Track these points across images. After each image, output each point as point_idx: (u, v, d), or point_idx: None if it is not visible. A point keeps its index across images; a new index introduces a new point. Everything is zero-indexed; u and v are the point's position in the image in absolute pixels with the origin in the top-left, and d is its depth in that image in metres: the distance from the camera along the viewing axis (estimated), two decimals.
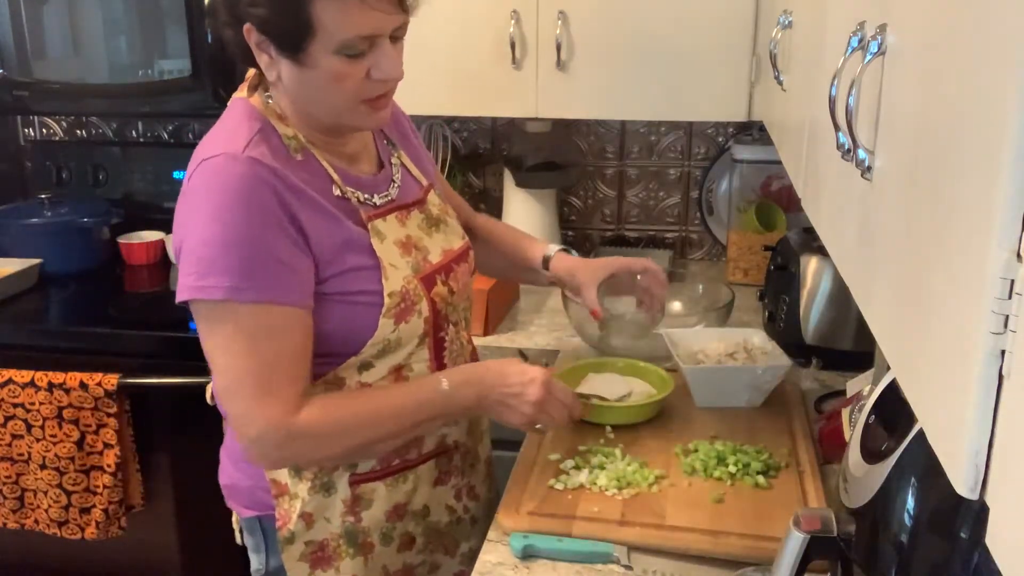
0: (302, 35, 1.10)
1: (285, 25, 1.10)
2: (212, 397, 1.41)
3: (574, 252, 1.57)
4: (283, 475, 1.27)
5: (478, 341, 1.92)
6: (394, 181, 1.33)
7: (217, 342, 1.15)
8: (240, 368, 1.14)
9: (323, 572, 1.30)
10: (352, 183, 1.25)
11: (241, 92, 1.25)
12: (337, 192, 1.22)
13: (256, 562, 1.36)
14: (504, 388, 1.23)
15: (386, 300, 1.20)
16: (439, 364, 1.32)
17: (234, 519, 1.42)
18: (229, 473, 1.36)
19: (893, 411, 0.98)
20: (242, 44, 1.16)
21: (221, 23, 1.18)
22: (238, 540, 1.42)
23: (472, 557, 1.33)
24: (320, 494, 1.27)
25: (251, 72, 1.25)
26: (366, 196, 1.26)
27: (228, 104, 1.25)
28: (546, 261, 1.57)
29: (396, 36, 1.17)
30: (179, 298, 1.15)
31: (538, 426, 1.29)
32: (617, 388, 1.57)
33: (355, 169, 1.28)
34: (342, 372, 1.24)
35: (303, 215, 1.16)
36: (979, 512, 0.67)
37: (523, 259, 1.59)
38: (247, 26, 1.13)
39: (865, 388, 1.44)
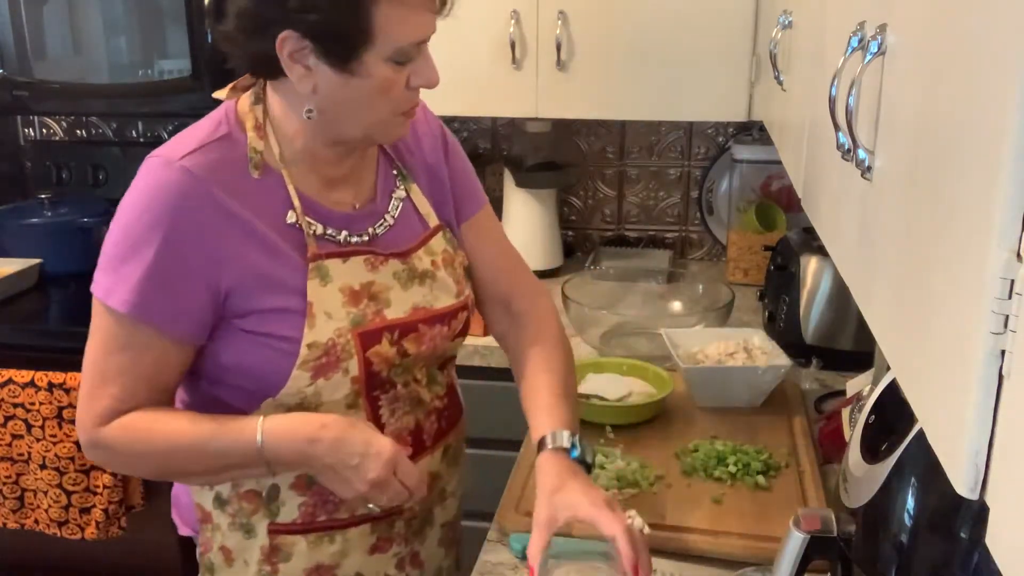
0: (358, 42, 1.02)
1: (341, 31, 1.02)
2: None
3: (576, 450, 1.14)
4: (207, 502, 1.20)
5: (478, 341, 1.93)
6: (384, 220, 1.19)
7: (91, 330, 1.12)
8: (88, 364, 1.12)
9: None
10: (317, 214, 1.13)
11: (221, 94, 1.19)
12: (292, 219, 1.11)
13: None
14: (339, 456, 1.06)
15: (303, 351, 1.08)
16: (379, 420, 1.18)
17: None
18: (175, 484, 1.31)
19: (893, 411, 0.98)
20: (261, 55, 1.06)
21: (237, 31, 1.07)
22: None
23: None
24: (240, 533, 1.19)
25: (245, 79, 1.16)
26: (331, 232, 1.13)
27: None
28: (541, 445, 1.17)
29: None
30: (92, 289, 1.12)
31: (369, 505, 1.13)
32: (617, 388, 1.57)
33: (328, 198, 1.16)
34: (261, 412, 1.11)
35: (227, 241, 1.07)
36: (979, 512, 0.67)
37: (528, 413, 1.23)
38: (284, 34, 1.02)
39: (865, 388, 1.44)
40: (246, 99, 1.14)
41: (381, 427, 1.17)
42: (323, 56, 1.03)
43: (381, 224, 1.18)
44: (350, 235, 1.15)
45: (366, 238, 1.16)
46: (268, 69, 1.08)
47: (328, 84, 1.05)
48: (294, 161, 1.13)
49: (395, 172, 1.23)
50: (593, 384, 1.58)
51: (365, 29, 1.02)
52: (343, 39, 1.03)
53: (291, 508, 1.17)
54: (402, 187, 1.22)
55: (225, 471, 1.12)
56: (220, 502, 1.19)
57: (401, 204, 1.21)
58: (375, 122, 1.10)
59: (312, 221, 1.12)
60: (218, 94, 1.18)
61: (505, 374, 1.65)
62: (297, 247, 1.11)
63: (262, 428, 1.07)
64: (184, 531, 1.29)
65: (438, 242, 1.23)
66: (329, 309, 1.10)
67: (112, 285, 1.07)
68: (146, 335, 1.08)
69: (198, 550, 1.24)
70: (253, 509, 1.17)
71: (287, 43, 1.03)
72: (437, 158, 1.27)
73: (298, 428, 1.08)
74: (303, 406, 1.12)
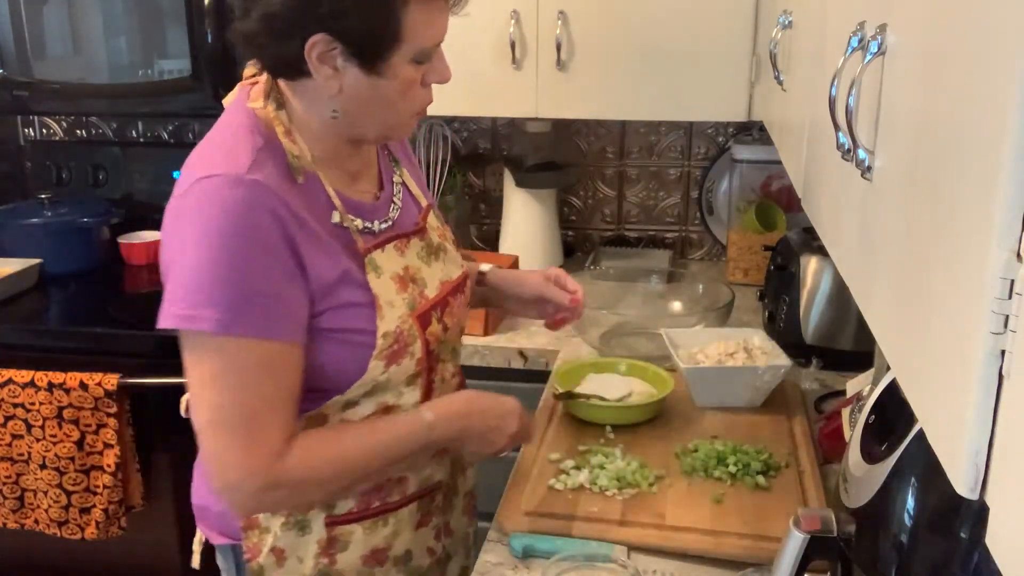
0: (388, 43, 1.06)
1: (374, 34, 1.05)
2: (187, 411, 1.35)
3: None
4: None
5: (478, 341, 1.93)
6: (395, 203, 1.25)
7: (202, 375, 1.07)
8: (225, 406, 1.07)
9: None
10: (352, 209, 1.17)
11: (232, 96, 1.18)
12: (336, 219, 1.14)
13: None
14: (486, 422, 1.22)
15: (379, 341, 1.13)
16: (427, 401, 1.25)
17: (196, 540, 1.34)
18: (202, 494, 1.27)
19: (893, 411, 0.98)
20: (286, 56, 1.07)
21: (263, 33, 1.07)
22: (195, 563, 1.34)
23: None
24: (294, 531, 1.20)
25: (260, 81, 1.15)
26: (366, 224, 1.18)
27: (226, 109, 1.17)
28: (481, 279, 1.45)
29: None
30: (163, 324, 1.06)
31: (504, 454, 1.27)
32: (617, 388, 1.57)
33: (356, 191, 1.20)
34: (326, 409, 1.16)
35: (303, 246, 1.08)
36: (979, 512, 0.67)
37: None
38: (315, 37, 1.03)
39: (865, 388, 1.44)
40: (268, 108, 1.13)
41: None
42: (352, 58, 1.06)
43: (394, 208, 1.24)
44: (380, 224, 1.20)
45: (390, 223, 1.22)
46: (290, 70, 1.09)
47: (355, 85, 1.08)
48: (322, 161, 1.15)
49: (390, 159, 1.30)
50: (593, 384, 1.58)
51: (395, 32, 1.05)
52: (375, 41, 1.05)
53: (348, 499, 1.21)
54: (397, 173, 1.29)
55: (395, 464, 1.18)
56: None
57: (401, 188, 1.28)
58: (395, 121, 1.14)
59: (352, 217, 1.16)
60: (228, 99, 1.19)
61: (505, 374, 1.66)
62: (346, 245, 1.14)
63: (428, 418, 1.17)
64: (219, 540, 1.26)
65: (432, 219, 1.31)
66: (389, 299, 1.16)
67: (230, 317, 1.04)
68: (278, 352, 1.07)
69: (243, 556, 1.21)
70: (308, 506, 1.20)
71: (317, 46, 1.04)
72: (408, 149, 1.38)
73: (454, 410, 1.21)
74: (372, 393, 1.17)
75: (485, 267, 1.46)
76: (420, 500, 1.27)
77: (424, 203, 1.31)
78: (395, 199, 1.25)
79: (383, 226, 1.20)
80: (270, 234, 1.05)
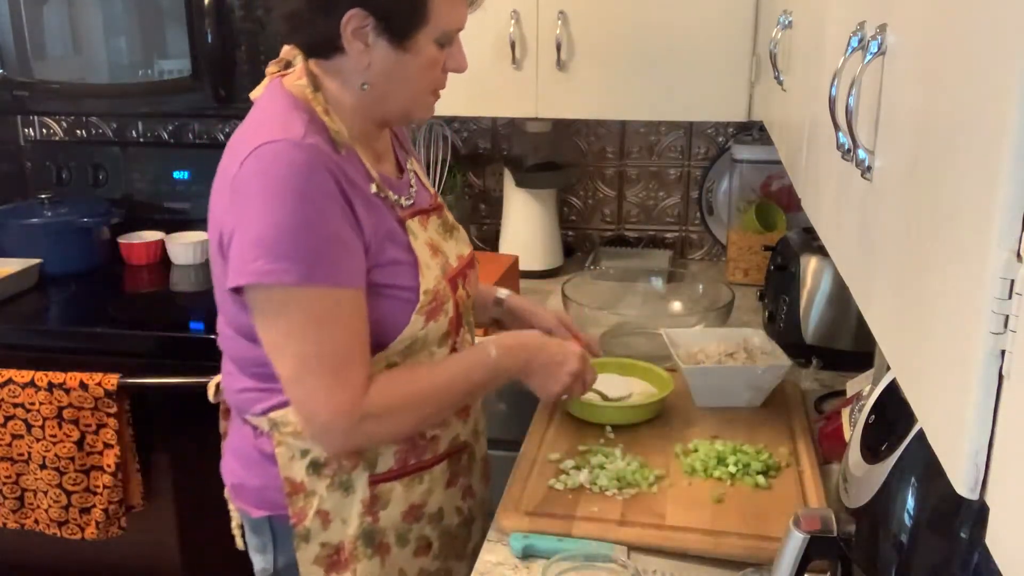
0: (416, 21, 1.17)
1: (404, 11, 1.17)
2: (216, 395, 1.42)
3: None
4: (300, 473, 1.26)
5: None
6: (412, 186, 1.34)
7: (285, 327, 1.16)
8: (309, 354, 1.15)
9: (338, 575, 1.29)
10: (386, 183, 1.27)
11: (259, 90, 1.26)
12: (373, 190, 1.23)
13: (262, 562, 1.34)
14: (548, 357, 1.30)
15: (421, 297, 1.23)
16: None
17: (234, 524, 1.41)
18: (236, 473, 1.34)
19: (893, 411, 0.98)
20: (325, 32, 1.16)
21: (307, 9, 1.17)
22: (239, 544, 1.41)
23: (475, 552, 1.33)
24: (339, 492, 1.26)
25: (287, 73, 1.25)
26: (395, 196, 1.27)
27: (259, 98, 1.25)
28: (499, 301, 1.56)
29: None
30: (242, 281, 1.14)
31: (565, 396, 1.35)
32: (617, 388, 1.57)
33: (383, 169, 1.30)
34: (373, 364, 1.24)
35: (357, 207, 1.18)
36: (979, 512, 0.67)
37: (481, 299, 1.54)
38: (352, 12, 1.14)
39: (865, 388, 1.44)
40: (305, 90, 1.21)
41: None
42: (383, 33, 1.17)
43: (411, 190, 1.34)
44: (404, 199, 1.29)
45: (412, 201, 1.32)
46: (325, 47, 1.19)
47: (383, 59, 1.19)
48: (356, 138, 1.24)
49: (402, 149, 1.40)
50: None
51: (423, 11, 1.17)
52: (404, 19, 1.17)
53: (387, 457, 1.28)
54: (409, 161, 1.39)
55: (468, 398, 1.32)
56: (316, 467, 1.26)
57: (414, 175, 1.37)
58: (415, 97, 1.25)
59: (386, 189, 1.26)
60: (255, 93, 1.28)
61: None
62: (388, 211, 1.25)
63: (492, 351, 1.27)
64: (257, 514, 1.31)
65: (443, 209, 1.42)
66: (427, 261, 1.26)
67: (308, 269, 1.13)
68: (350, 299, 1.17)
69: (288, 523, 1.27)
70: (353, 465, 1.26)
71: (353, 20, 1.15)
72: (411, 147, 1.47)
73: (519, 342, 1.32)
74: (411, 349, 1.25)
75: (503, 293, 1.56)
76: (449, 459, 1.36)
77: (432, 191, 1.41)
78: (412, 183, 1.35)
79: (407, 203, 1.30)
80: (332, 191, 1.15)
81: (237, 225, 1.14)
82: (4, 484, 2.01)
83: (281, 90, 1.22)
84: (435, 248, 1.29)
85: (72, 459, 1.96)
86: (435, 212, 1.36)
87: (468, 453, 1.41)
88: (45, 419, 1.95)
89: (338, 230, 1.15)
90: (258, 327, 1.18)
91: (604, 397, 1.54)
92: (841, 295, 1.78)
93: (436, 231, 1.33)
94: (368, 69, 1.19)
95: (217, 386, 1.41)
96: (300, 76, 1.23)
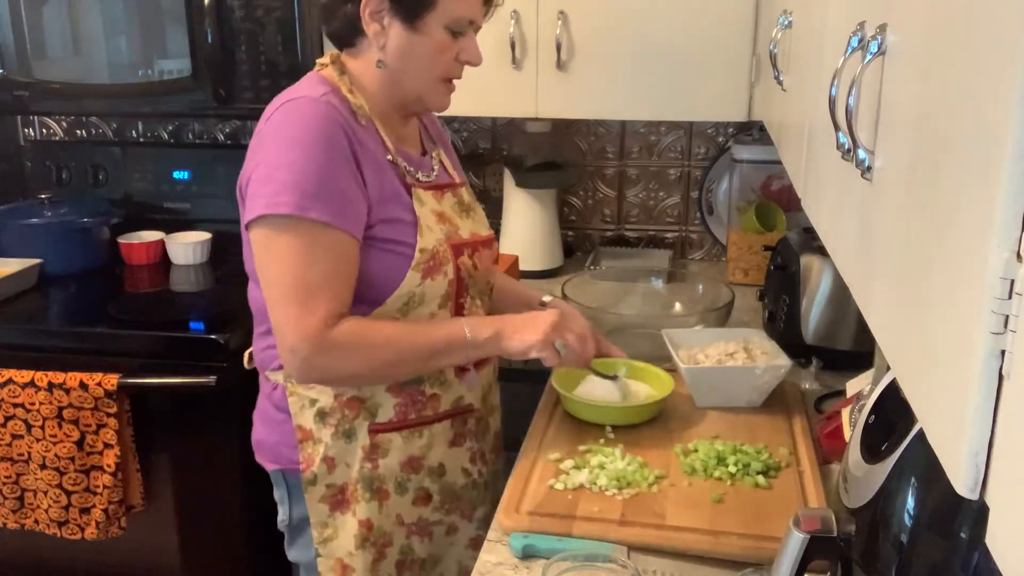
0: (426, 5, 1.31)
1: None
2: (249, 361, 1.53)
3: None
4: (308, 421, 1.38)
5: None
6: (433, 169, 1.47)
7: (275, 254, 1.27)
8: (290, 280, 1.26)
9: (341, 514, 1.41)
10: (403, 156, 1.40)
11: (325, 60, 1.40)
12: (389, 158, 1.36)
13: (282, 513, 1.48)
14: (520, 321, 1.38)
15: (417, 254, 1.33)
16: None
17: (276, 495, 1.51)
18: (258, 430, 1.49)
19: (893, 411, 0.98)
20: (350, 16, 1.33)
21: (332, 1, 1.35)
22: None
23: (487, 520, 1.40)
24: (342, 440, 1.38)
25: (327, 55, 1.41)
26: (410, 168, 1.40)
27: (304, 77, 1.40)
28: (543, 304, 1.64)
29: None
30: (249, 216, 1.27)
31: (558, 343, 1.37)
32: (616, 389, 1.57)
33: (405, 147, 1.43)
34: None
35: (363, 163, 1.30)
36: (979, 512, 0.67)
37: (525, 297, 1.66)
38: None
39: (865, 388, 1.44)
40: (332, 72, 1.37)
41: None
42: (397, 15, 1.31)
43: (433, 172, 1.46)
44: (420, 174, 1.42)
45: (430, 179, 1.44)
46: (350, 33, 1.36)
47: (397, 39, 1.33)
48: (378, 115, 1.38)
49: (428, 139, 1.53)
50: (593, 385, 1.58)
51: None
52: (415, 2, 1.30)
53: (387, 409, 1.39)
54: (435, 151, 1.52)
55: (434, 359, 1.34)
56: (322, 416, 1.38)
57: (438, 161, 1.50)
58: (427, 81, 1.37)
59: (400, 160, 1.39)
60: (321, 60, 1.42)
61: (505, 374, 1.66)
62: (398, 177, 1.37)
63: (464, 319, 1.37)
64: (271, 467, 1.47)
65: (466, 192, 1.53)
66: (429, 224, 1.36)
67: (303, 201, 1.24)
68: (343, 239, 1.28)
69: (300, 468, 1.40)
70: (355, 414, 1.38)
71: (371, 3, 1.31)
72: (444, 138, 1.60)
73: (489, 319, 1.40)
74: (408, 306, 1.35)
75: (548, 297, 1.65)
76: (453, 420, 1.44)
77: (458, 179, 1.53)
78: (434, 166, 1.47)
79: (424, 177, 1.43)
80: (341, 142, 1.28)
81: (254, 170, 1.28)
82: (4, 484, 2.01)
83: (313, 74, 1.39)
84: (443, 217, 1.40)
85: (72, 459, 1.96)
86: (451, 189, 1.47)
87: (476, 418, 1.48)
88: (45, 419, 1.95)
89: (341, 178, 1.27)
90: (256, 263, 1.30)
91: (605, 376, 1.56)
92: (841, 295, 1.78)
93: (450, 206, 1.44)
94: (384, 49, 1.34)
95: (251, 354, 1.51)
96: (328, 61, 1.39)
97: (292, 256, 1.26)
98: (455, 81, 1.42)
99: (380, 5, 1.31)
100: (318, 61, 1.42)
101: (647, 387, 1.61)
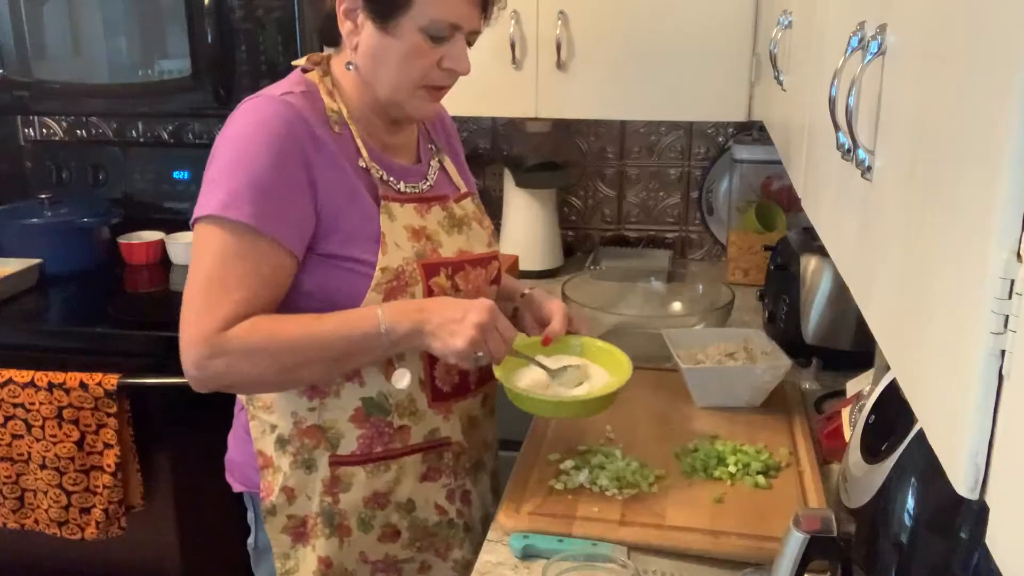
0: (399, 5, 1.20)
1: None
2: None
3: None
4: (269, 447, 1.31)
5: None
6: (427, 178, 1.36)
7: (195, 253, 1.20)
8: (200, 280, 1.18)
9: (302, 547, 1.34)
10: (380, 163, 1.29)
11: (300, 62, 1.33)
12: (362, 164, 1.27)
13: (251, 536, 1.42)
14: (447, 313, 1.19)
15: (377, 273, 1.22)
16: (431, 358, 1.29)
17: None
18: (230, 449, 1.42)
19: (893, 411, 0.98)
20: (331, 13, 1.25)
21: None
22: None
23: (467, 567, 1.32)
24: (302, 470, 1.30)
25: (317, 55, 1.34)
26: (391, 179, 1.30)
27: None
28: (523, 295, 1.48)
29: (469, 40, 1.27)
30: (192, 220, 1.21)
31: (479, 354, 1.20)
32: (567, 371, 1.37)
33: (388, 155, 1.32)
34: None
35: (318, 168, 1.21)
36: (979, 512, 0.67)
37: (506, 292, 1.48)
38: None
39: (865, 388, 1.44)
40: (315, 73, 1.30)
41: (434, 360, 1.30)
42: (369, 14, 1.21)
43: (425, 182, 1.36)
44: (405, 185, 1.32)
45: (417, 190, 1.33)
46: (332, 30, 1.27)
47: (368, 40, 1.23)
48: (358, 120, 1.29)
49: (431, 146, 1.42)
50: (531, 378, 1.35)
51: None
52: (387, 1, 1.20)
53: (350, 440, 1.29)
54: (437, 158, 1.42)
55: (345, 358, 1.21)
56: (282, 443, 1.30)
57: (437, 171, 1.39)
58: (401, 87, 1.25)
59: (377, 167, 1.29)
60: (296, 62, 1.35)
61: None
62: (368, 187, 1.26)
63: (380, 308, 1.20)
64: (238, 488, 1.41)
65: (468, 204, 1.41)
66: (397, 241, 1.25)
67: (229, 200, 1.17)
68: (265, 244, 1.18)
69: (260, 496, 1.34)
70: (315, 444, 1.29)
71: (345, 1, 1.22)
72: (455, 144, 1.50)
73: (408, 302, 1.23)
74: None
75: (527, 288, 1.51)
76: (425, 453, 1.34)
77: (462, 189, 1.42)
78: (428, 175, 1.37)
79: (407, 188, 1.32)
80: (285, 144, 1.19)
81: (206, 170, 1.22)
82: (4, 484, 2.01)
83: (296, 72, 1.32)
84: (421, 235, 1.28)
85: (72, 459, 1.96)
86: (441, 202, 1.34)
87: (455, 453, 1.37)
88: (45, 419, 1.95)
89: (277, 182, 1.18)
90: None
91: (545, 369, 1.35)
92: (841, 295, 1.78)
93: (437, 222, 1.32)
94: (356, 50, 1.24)
95: None
96: (312, 60, 1.32)
97: (207, 256, 1.18)
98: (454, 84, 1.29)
99: (354, 3, 1.22)
100: (308, 57, 1.33)
101: (604, 373, 1.39)
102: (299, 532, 1.33)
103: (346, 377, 1.27)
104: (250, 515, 1.42)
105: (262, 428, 1.32)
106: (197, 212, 1.19)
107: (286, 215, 1.19)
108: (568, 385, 1.36)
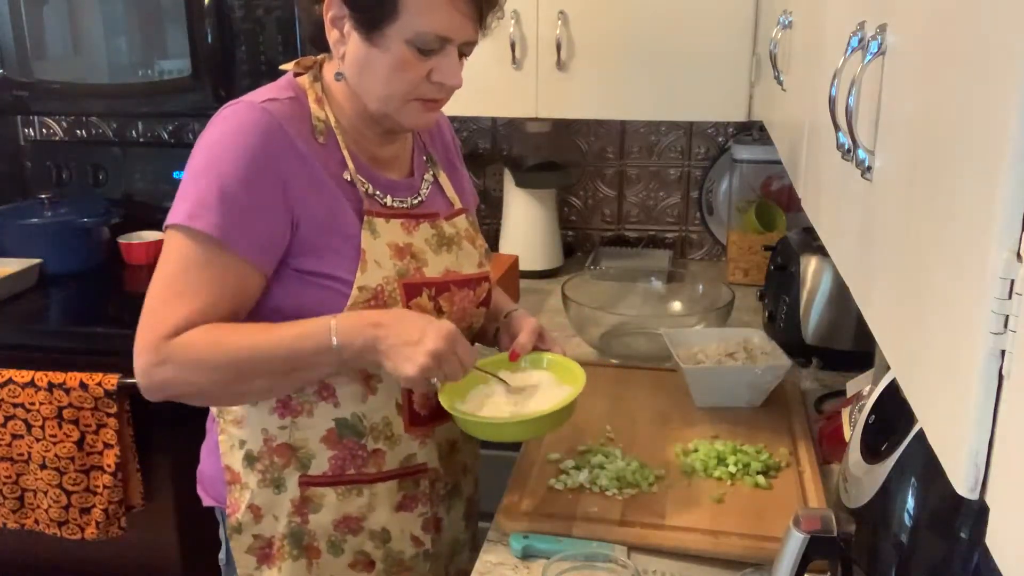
0: (384, 16, 1.14)
1: (372, 3, 1.15)
2: None
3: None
4: (236, 463, 1.28)
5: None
6: (419, 194, 1.31)
7: (160, 259, 1.17)
8: (158, 288, 1.15)
9: (268, 568, 1.30)
10: (367, 176, 1.25)
11: (288, 66, 1.29)
12: (347, 177, 1.22)
13: (221, 551, 1.38)
14: (403, 333, 1.12)
15: (355, 292, 1.17)
16: None
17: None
18: (202, 460, 1.39)
19: (893, 411, 0.98)
20: (319, 21, 1.20)
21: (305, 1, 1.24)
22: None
23: None
24: (270, 488, 1.26)
25: (309, 59, 1.29)
26: (378, 193, 1.25)
27: None
28: (507, 314, 1.39)
29: (463, 52, 1.21)
30: (164, 226, 1.18)
31: (433, 380, 1.15)
32: (526, 380, 1.30)
33: (377, 167, 1.27)
34: None
35: (298, 180, 1.16)
36: (979, 512, 0.67)
37: (493, 312, 1.41)
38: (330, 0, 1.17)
39: (865, 388, 1.44)
40: (306, 78, 1.26)
41: None
42: (355, 24, 1.17)
43: (416, 198, 1.30)
44: (393, 200, 1.27)
45: (405, 205, 1.28)
46: (321, 37, 1.21)
47: (354, 50, 1.18)
48: (347, 130, 1.25)
49: (425, 159, 1.37)
50: (490, 390, 1.27)
51: (392, 5, 1.14)
52: (372, 10, 1.15)
53: (321, 460, 1.25)
54: (431, 172, 1.36)
55: (295, 372, 1.16)
56: (250, 460, 1.26)
57: (430, 185, 1.34)
58: (389, 100, 1.19)
59: (363, 180, 1.24)
60: (284, 66, 1.30)
61: None
62: (351, 201, 1.21)
63: (333, 320, 1.14)
64: (207, 502, 1.36)
65: (461, 221, 1.35)
66: (378, 259, 1.20)
67: (196, 210, 1.13)
68: (229, 257, 1.14)
69: (226, 512, 1.30)
70: (284, 463, 1.25)
71: (331, 8, 1.17)
72: (453, 157, 1.44)
73: (364, 315, 1.16)
74: None
75: (513, 308, 1.42)
76: (400, 480, 1.29)
77: (456, 206, 1.37)
78: (421, 191, 1.32)
79: (395, 203, 1.27)
80: (263, 157, 1.14)
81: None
82: (4, 484, 2.01)
83: (286, 76, 1.27)
84: (405, 252, 1.23)
85: (72, 459, 1.96)
86: (429, 219, 1.28)
87: (431, 480, 1.32)
88: (45, 419, 1.95)
89: (247, 194, 1.13)
90: None
91: (504, 383, 1.27)
92: (841, 295, 1.78)
93: (425, 240, 1.26)
94: (343, 60, 1.20)
95: None
96: (303, 65, 1.28)
97: (169, 264, 1.15)
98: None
99: (340, 11, 1.17)
100: (298, 61, 1.29)
101: (557, 385, 1.28)
102: (265, 553, 1.30)
103: (320, 396, 1.23)
104: (221, 530, 1.37)
105: (231, 443, 1.28)
106: (167, 219, 1.16)
107: (254, 229, 1.14)
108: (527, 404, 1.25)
